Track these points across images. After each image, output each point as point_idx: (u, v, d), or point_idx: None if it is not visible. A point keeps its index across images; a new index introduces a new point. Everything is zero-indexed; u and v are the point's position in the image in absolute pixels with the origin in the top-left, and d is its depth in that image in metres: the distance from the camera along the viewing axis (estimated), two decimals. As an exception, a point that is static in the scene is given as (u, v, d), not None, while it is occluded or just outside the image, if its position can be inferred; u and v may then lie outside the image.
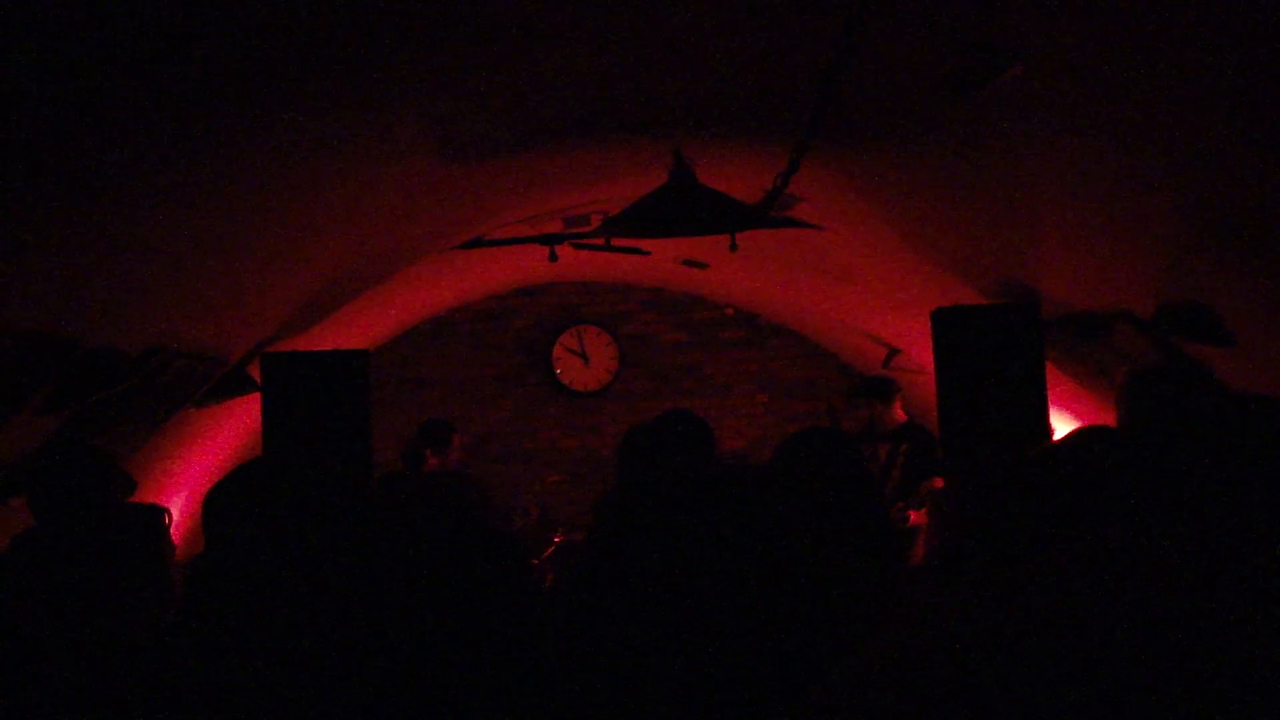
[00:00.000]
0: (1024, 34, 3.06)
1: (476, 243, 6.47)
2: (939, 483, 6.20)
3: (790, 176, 4.32)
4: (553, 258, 6.77)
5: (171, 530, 3.74)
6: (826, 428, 3.91)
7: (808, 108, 3.43)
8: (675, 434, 3.53)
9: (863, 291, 7.52)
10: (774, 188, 4.58)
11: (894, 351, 8.17)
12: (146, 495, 5.08)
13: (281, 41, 2.73)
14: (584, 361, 10.29)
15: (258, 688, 2.12)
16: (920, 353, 6.87)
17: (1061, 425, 5.82)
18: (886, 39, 3.01)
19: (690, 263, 8.26)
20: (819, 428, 3.54)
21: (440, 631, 2.38)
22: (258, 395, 5.58)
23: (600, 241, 6.38)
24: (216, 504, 2.48)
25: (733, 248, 5.58)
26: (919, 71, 3.34)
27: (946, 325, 5.52)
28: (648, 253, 7.55)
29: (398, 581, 2.68)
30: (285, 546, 2.36)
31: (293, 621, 2.27)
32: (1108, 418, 4.77)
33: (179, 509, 5.84)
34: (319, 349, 5.85)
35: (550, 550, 7.16)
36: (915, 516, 6.15)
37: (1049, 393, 5.41)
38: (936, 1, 2.70)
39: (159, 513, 3.35)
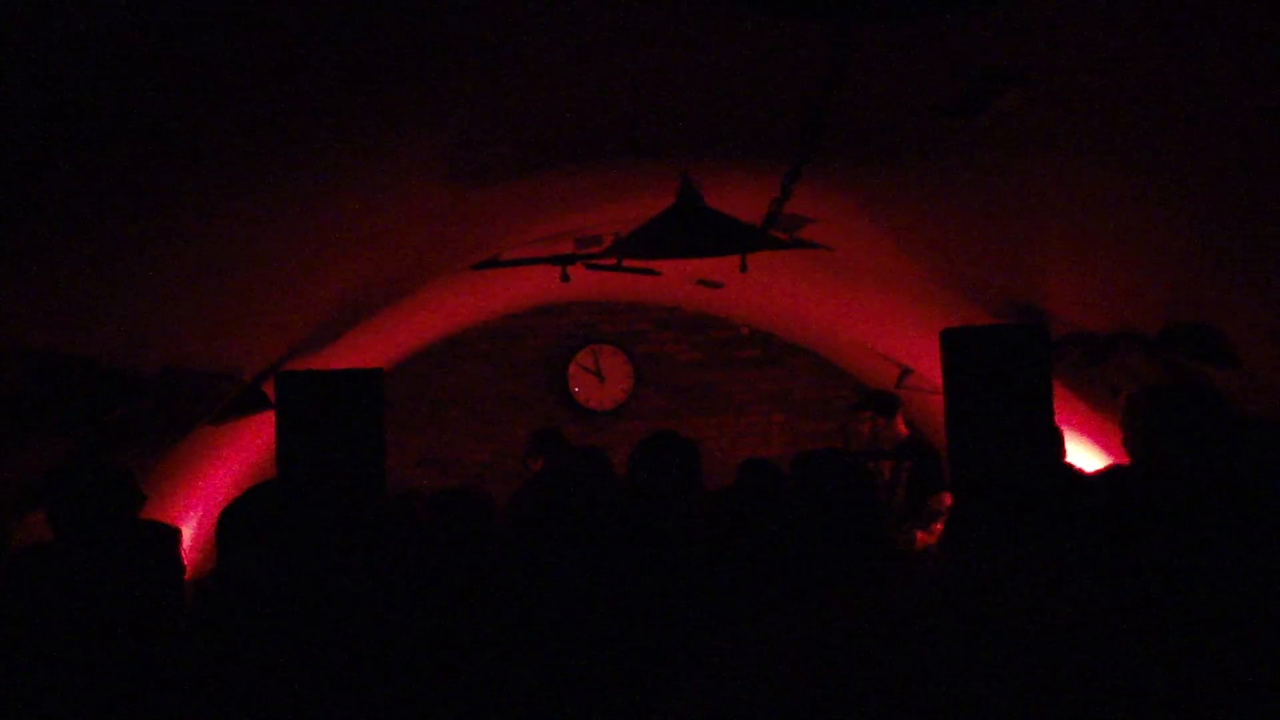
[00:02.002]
0: (1020, 58, 3.11)
1: (490, 263, 6.54)
2: (948, 499, 6.19)
3: (784, 203, 4.37)
4: (565, 278, 6.83)
5: (184, 549, 3.80)
6: (834, 449, 3.96)
7: (796, 135, 3.48)
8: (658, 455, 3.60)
9: (875, 311, 7.55)
10: (769, 213, 4.63)
11: (906, 370, 8.19)
12: (162, 511, 5.14)
13: (297, 70, 2.80)
14: (599, 380, 10.33)
15: (265, 704, 2.17)
16: (932, 372, 6.90)
17: (1070, 444, 5.83)
18: (879, 64, 3.06)
19: (705, 282, 8.31)
20: (827, 449, 3.60)
21: (439, 647, 2.43)
22: (273, 413, 5.64)
23: (611, 262, 6.43)
24: (231, 524, 2.54)
25: (743, 268, 5.62)
26: (915, 96, 3.39)
27: (955, 345, 5.55)
28: (659, 273, 7.60)
29: (402, 599, 2.73)
30: (296, 567, 2.41)
31: (300, 639, 2.32)
32: (1114, 436, 4.79)
33: (194, 524, 5.91)
34: (335, 367, 5.91)
35: None
36: (922, 537, 6.13)
37: (1057, 411, 5.43)
38: (928, 28, 2.75)
39: (172, 533, 3.42)
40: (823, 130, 3.39)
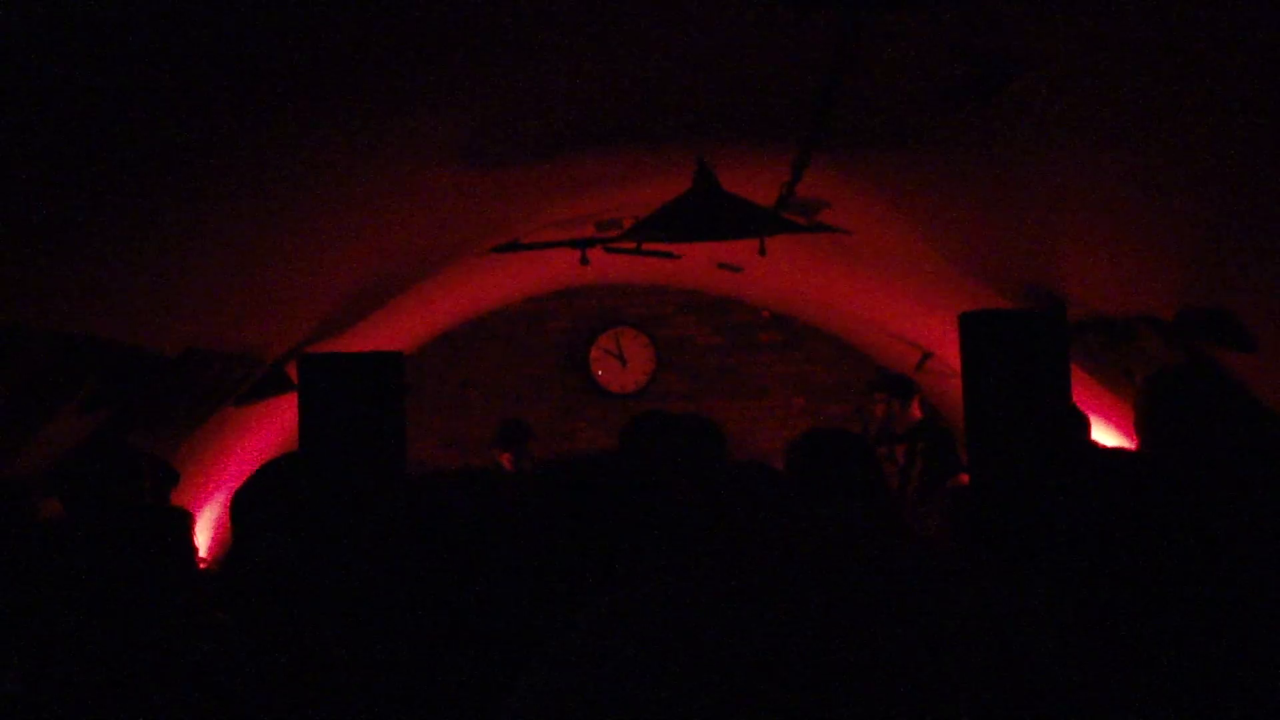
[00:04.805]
0: (1031, 43, 3.11)
1: (511, 246, 6.58)
2: (965, 479, 6.18)
3: (794, 186, 4.39)
4: (584, 261, 6.87)
5: (207, 529, 3.86)
6: (832, 428, 3.98)
7: (807, 120, 3.50)
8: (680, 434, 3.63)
9: (894, 294, 7.56)
10: (780, 196, 4.65)
11: (927, 354, 8.20)
12: (187, 492, 5.22)
13: (314, 52, 2.83)
14: (621, 363, 10.38)
15: (280, 681, 2.21)
16: (952, 356, 6.90)
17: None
18: (891, 49, 3.08)
19: (724, 265, 8.33)
20: (825, 428, 3.62)
21: (451, 628, 2.46)
22: (295, 395, 5.69)
23: (631, 245, 6.46)
24: (245, 502, 2.59)
25: (761, 252, 5.64)
26: (926, 81, 3.40)
27: (974, 329, 5.55)
28: (678, 256, 7.63)
29: (415, 578, 2.77)
30: (310, 542, 2.45)
31: (315, 614, 2.36)
32: (1130, 421, 4.80)
33: (219, 506, 5.98)
34: (358, 350, 5.96)
35: None
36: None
37: (1075, 396, 5.43)
38: (934, 15, 2.77)
39: (184, 516, 3.47)
40: (831, 115, 3.41)
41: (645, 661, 0.57)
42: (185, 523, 3.62)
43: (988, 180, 4.55)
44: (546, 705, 0.60)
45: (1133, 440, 4.86)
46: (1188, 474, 3.21)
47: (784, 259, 7.08)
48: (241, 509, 2.49)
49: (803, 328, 10.42)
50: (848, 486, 3.05)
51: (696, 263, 8.31)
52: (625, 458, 3.51)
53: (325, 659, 2.26)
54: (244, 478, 2.76)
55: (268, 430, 6.79)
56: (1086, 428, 5.54)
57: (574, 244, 6.72)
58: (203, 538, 5.47)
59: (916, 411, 7.01)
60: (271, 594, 2.36)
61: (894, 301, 7.79)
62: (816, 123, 3.49)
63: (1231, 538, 2.58)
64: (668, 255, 7.48)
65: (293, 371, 5.75)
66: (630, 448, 3.65)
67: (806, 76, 3.27)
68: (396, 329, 7.67)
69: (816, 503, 2.94)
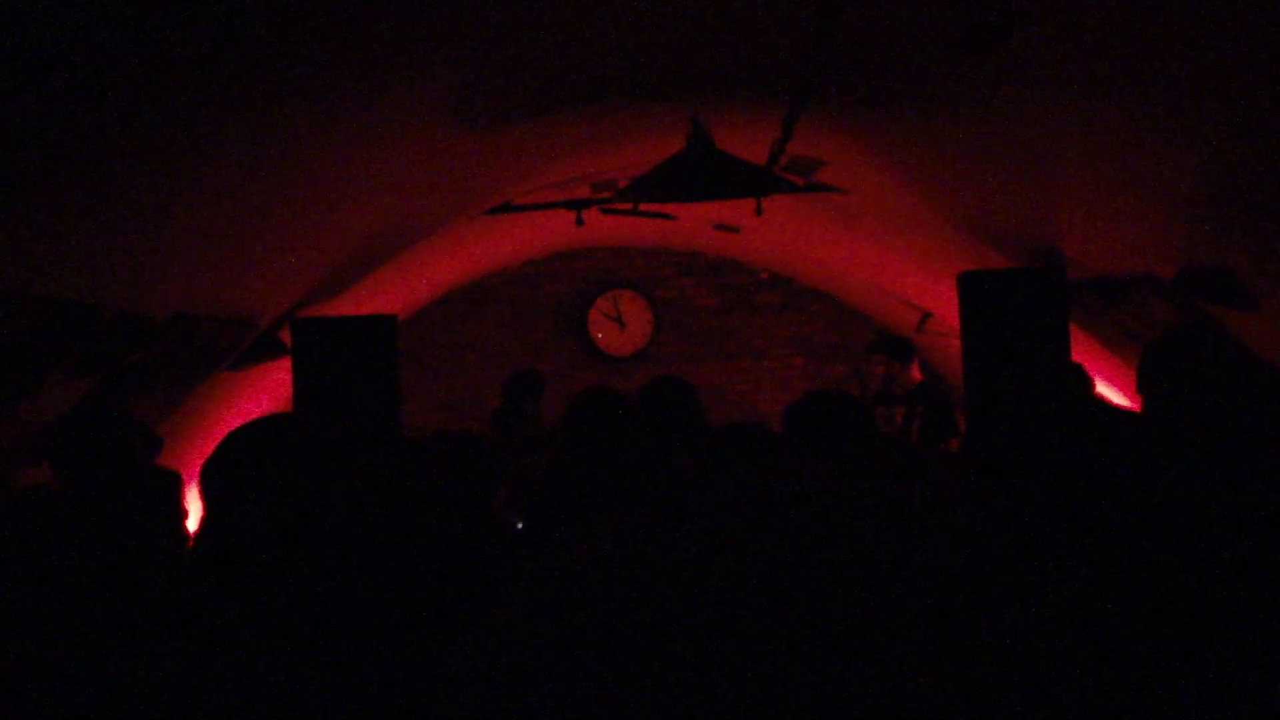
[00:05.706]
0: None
1: (505, 207, 6.52)
2: (955, 445, 6.18)
3: (786, 143, 4.33)
4: (579, 222, 6.81)
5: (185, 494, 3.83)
6: (830, 390, 3.94)
7: (796, 76, 3.44)
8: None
9: (893, 254, 7.50)
10: (772, 154, 4.59)
11: (927, 315, 8.15)
12: (179, 458, 5.18)
13: (303, 12, 2.78)
14: (620, 326, 10.33)
15: (257, 649, 2.18)
16: (952, 316, 6.86)
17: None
18: (885, 3, 3.02)
19: (722, 226, 8.27)
20: (823, 390, 3.58)
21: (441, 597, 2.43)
22: (290, 359, 5.66)
23: (627, 206, 6.40)
24: (216, 472, 2.55)
25: (758, 212, 5.59)
26: (925, 35, 3.34)
27: (973, 288, 5.51)
28: (674, 217, 7.57)
29: (399, 543, 2.74)
30: (296, 508, 2.41)
31: (290, 583, 2.33)
32: (1131, 379, 4.76)
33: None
34: (354, 313, 5.92)
35: None
36: None
37: (1074, 355, 5.40)
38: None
39: (174, 478, 3.44)
40: (822, 69, 3.35)
41: (596, 619, 0.53)
42: (176, 485, 3.60)
43: (986, 137, 4.49)
44: (486, 662, 0.56)
45: (1134, 401, 4.83)
46: (1190, 433, 3.17)
47: (782, 219, 7.02)
48: (212, 479, 2.45)
49: (801, 289, 10.37)
50: (845, 449, 3.02)
51: (694, 224, 8.25)
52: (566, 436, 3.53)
53: (309, 624, 2.23)
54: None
55: (261, 396, 6.75)
56: (1089, 384, 5.51)
57: (569, 205, 6.67)
58: (195, 505, 5.44)
59: (917, 374, 6.98)
60: (254, 560, 2.32)
61: (892, 261, 7.73)
62: (808, 77, 3.42)
63: (1235, 498, 2.53)
64: (664, 216, 7.42)
65: (286, 336, 5.71)
66: (568, 427, 3.69)
67: (798, 29, 3.21)
68: (392, 292, 7.63)
69: (810, 464, 2.91)
